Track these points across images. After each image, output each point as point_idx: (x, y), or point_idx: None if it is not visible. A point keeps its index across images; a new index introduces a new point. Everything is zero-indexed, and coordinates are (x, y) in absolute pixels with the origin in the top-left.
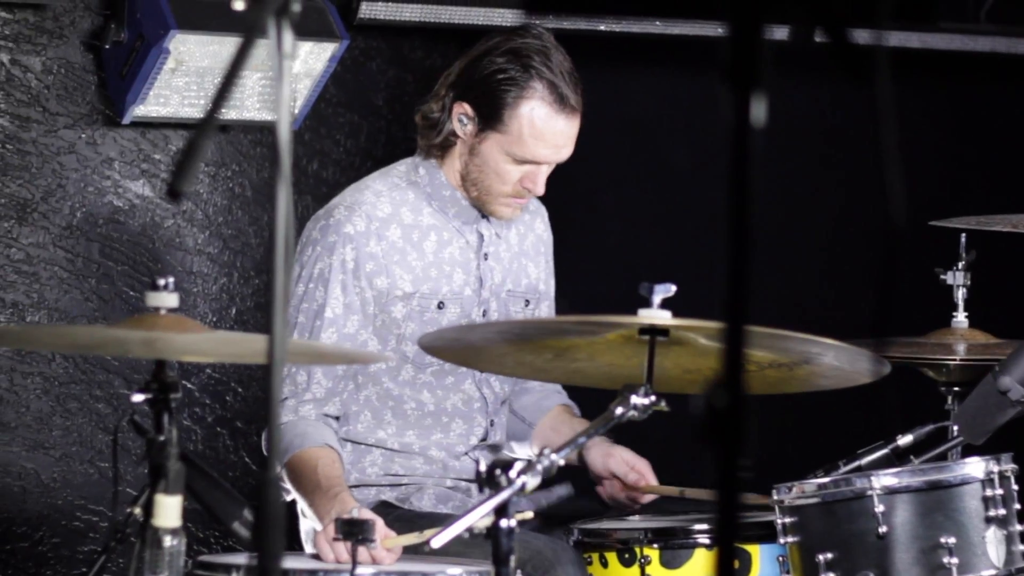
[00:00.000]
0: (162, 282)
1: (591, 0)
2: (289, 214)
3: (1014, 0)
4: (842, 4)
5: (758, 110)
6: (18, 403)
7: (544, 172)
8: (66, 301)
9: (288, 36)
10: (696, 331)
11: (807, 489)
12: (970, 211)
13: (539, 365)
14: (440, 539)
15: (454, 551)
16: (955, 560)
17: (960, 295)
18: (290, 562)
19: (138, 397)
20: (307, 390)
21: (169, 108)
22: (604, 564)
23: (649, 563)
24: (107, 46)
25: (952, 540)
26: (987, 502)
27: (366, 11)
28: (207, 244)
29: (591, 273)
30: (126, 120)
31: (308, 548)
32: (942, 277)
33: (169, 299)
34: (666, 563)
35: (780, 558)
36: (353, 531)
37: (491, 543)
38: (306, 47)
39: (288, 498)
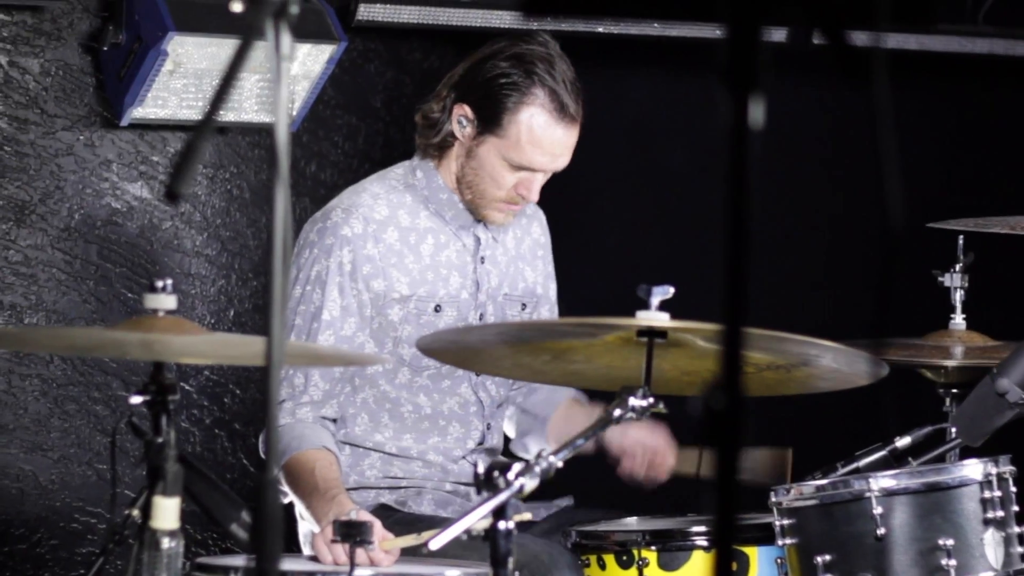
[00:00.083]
0: (160, 284)
1: (589, 2)
2: (287, 216)
3: (1012, 2)
4: (840, 6)
5: (756, 112)
6: (16, 405)
7: (539, 180)
8: (64, 303)
9: (286, 38)
10: (694, 333)
11: (805, 491)
12: (968, 213)
13: (537, 367)
14: (438, 541)
15: (452, 553)
16: (953, 562)
17: (958, 297)
18: (288, 564)
19: (136, 399)
20: (304, 392)
21: (167, 110)
22: (602, 566)
23: (647, 565)
24: (105, 48)
25: (950, 542)
26: (985, 504)
27: (364, 13)
28: (205, 246)
29: (589, 275)
30: (124, 122)
31: (306, 550)
32: (940, 279)
33: (167, 301)
34: (664, 565)
35: (778, 560)
36: (351, 533)
37: (489, 545)
38: (304, 49)
39: (286, 500)
